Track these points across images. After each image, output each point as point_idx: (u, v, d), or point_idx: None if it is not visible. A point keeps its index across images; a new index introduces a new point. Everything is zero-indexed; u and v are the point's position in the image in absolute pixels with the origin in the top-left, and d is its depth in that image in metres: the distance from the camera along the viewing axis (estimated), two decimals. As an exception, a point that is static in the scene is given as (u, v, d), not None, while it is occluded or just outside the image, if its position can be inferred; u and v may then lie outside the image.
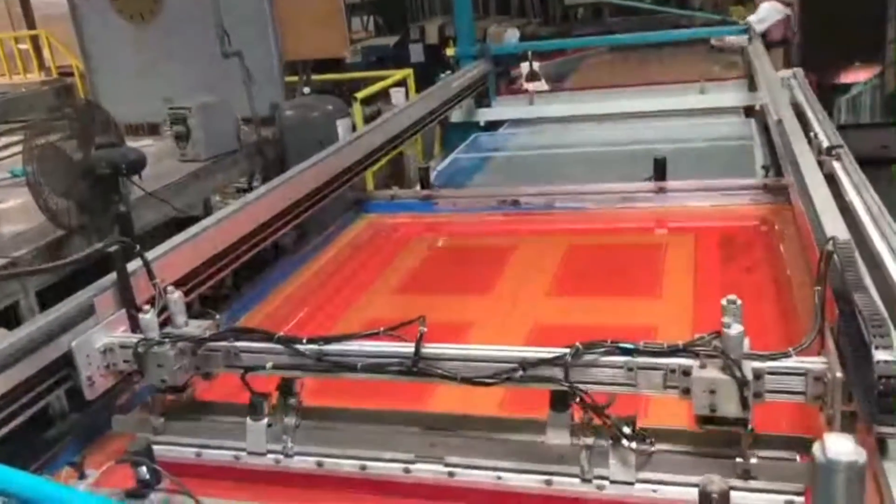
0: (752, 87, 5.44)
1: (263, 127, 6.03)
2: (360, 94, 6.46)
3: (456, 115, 5.89)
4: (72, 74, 8.15)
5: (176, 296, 2.02)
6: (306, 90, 6.04)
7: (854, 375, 1.49)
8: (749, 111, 5.28)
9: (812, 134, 3.35)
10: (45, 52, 10.40)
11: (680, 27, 7.91)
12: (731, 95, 5.48)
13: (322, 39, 6.08)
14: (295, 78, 6.44)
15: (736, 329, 1.53)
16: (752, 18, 7.23)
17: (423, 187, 4.02)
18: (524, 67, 6.67)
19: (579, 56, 8.15)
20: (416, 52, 11.33)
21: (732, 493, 1.47)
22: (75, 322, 2.03)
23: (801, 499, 1.54)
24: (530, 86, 6.50)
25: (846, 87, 8.75)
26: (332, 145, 3.85)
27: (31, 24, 11.09)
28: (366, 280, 3.16)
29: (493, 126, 5.97)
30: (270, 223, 2.97)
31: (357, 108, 6.34)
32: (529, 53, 6.72)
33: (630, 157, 4.41)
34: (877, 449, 1.45)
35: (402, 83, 7.43)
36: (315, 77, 6.87)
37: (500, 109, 6.11)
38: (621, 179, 3.73)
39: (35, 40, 10.65)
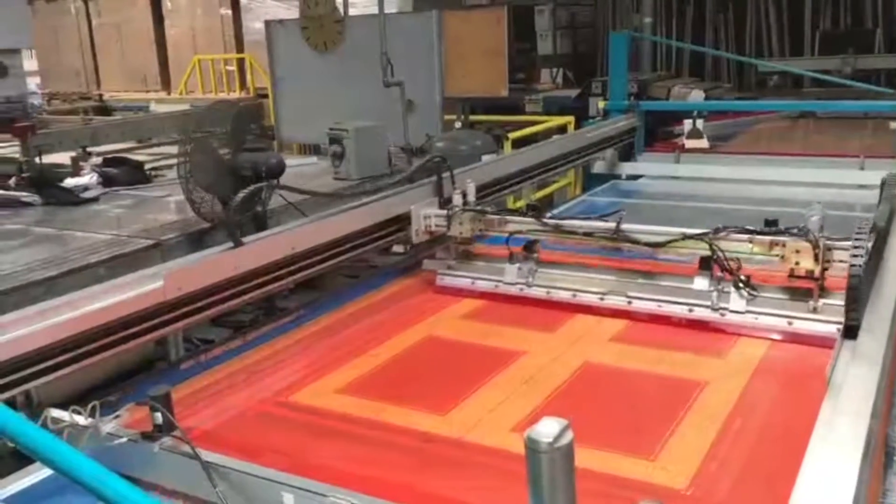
0: (929, 166, 4.98)
1: (416, 156, 6.34)
2: (512, 135, 6.64)
3: (598, 167, 5.90)
4: (266, 96, 8.99)
5: (471, 184, 3.32)
6: (458, 125, 6.29)
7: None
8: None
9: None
10: (248, 74, 11.64)
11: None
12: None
13: (483, 79, 6.34)
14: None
15: (816, 217, 2.50)
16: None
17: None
18: (687, 124, 6.56)
19: (752, 119, 7.82)
20: (595, 106, 11.39)
21: (804, 323, 2.51)
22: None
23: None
24: (690, 143, 6.37)
25: None
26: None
27: (240, 48, 12.43)
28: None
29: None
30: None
31: (507, 147, 6.51)
32: (695, 112, 6.62)
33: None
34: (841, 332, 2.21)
35: (563, 130, 7.54)
36: (475, 118, 7.15)
37: (644, 165, 6.02)
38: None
39: (241, 63, 11.94)
